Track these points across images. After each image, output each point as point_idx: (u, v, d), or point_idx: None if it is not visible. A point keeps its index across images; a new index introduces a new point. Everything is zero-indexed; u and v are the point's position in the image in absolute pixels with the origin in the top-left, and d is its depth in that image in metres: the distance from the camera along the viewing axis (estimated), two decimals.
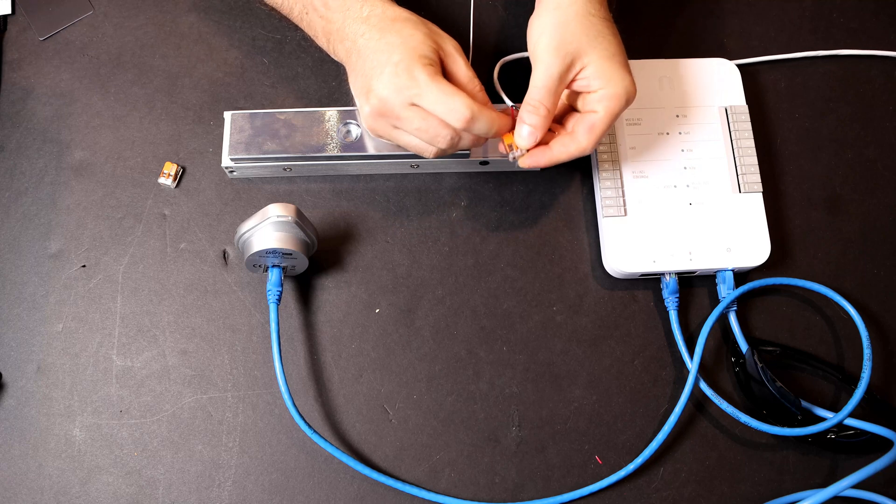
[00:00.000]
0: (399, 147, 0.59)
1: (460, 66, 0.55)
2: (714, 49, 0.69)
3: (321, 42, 0.59)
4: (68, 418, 0.58)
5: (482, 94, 0.55)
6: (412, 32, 0.53)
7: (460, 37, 0.68)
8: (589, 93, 0.56)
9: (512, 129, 0.56)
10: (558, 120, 0.59)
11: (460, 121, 0.52)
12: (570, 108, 0.58)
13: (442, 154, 0.55)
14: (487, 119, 0.53)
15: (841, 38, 0.70)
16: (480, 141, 0.56)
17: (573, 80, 0.56)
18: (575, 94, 0.57)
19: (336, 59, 0.58)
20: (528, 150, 0.57)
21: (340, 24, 0.56)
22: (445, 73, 0.54)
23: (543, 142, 0.57)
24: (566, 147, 0.57)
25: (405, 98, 0.52)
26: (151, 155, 0.65)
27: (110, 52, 0.68)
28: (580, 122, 0.56)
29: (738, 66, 0.67)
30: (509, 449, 0.58)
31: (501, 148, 0.57)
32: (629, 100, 0.55)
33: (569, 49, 0.54)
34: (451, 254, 0.63)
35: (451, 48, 0.55)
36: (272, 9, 0.62)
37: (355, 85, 0.55)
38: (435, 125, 0.53)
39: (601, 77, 0.55)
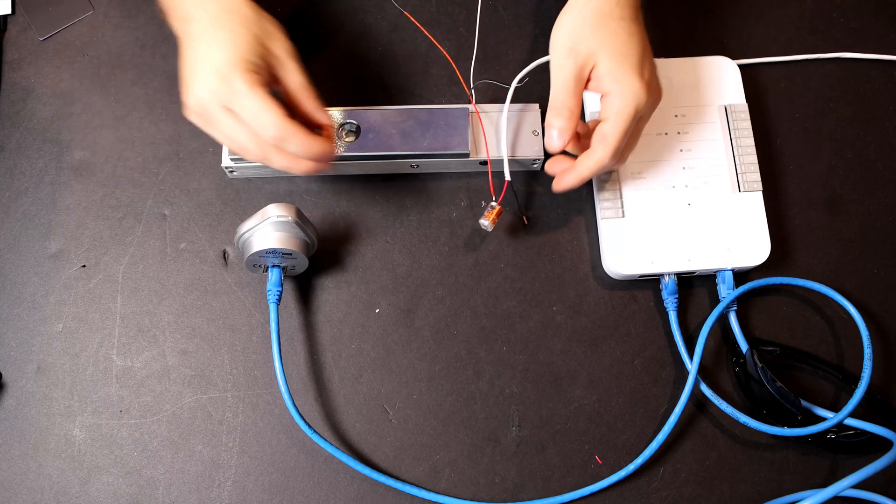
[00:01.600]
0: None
1: (290, 73, 0.53)
2: (714, 49, 0.69)
3: (161, 10, 0.56)
4: (68, 418, 0.58)
5: (312, 103, 0.54)
6: (241, 32, 0.52)
7: (460, 38, 0.69)
8: (603, 97, 0.55)
9: (327, 151, 0.53)
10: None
11: (270, 137, 0.51)
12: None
13: (267, 163, 0.53)
14: (299, 142, 0.51)
15: (841, 38, 0.70)
16: (290, 166, 0.53)
17: (589, 81, 0.55)
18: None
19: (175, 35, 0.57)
20: (559, 153, 0.56)
21: (178, 1, 0.54)
22: (277, 80, 0.53)
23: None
24: (588, 162, 0.55)
25: (219, 101, 0.51)
26: (151, 155, 0.65)
27: (110, 52, 0.68)
28: (596, 135, 0.55)
29: (738, 66, 0.66)
30: (509, 449, 0.58)
31: (484, 226, 0.59)
32: (639, 104, 0.54)
33: (580, 49, 0.54)
34: (451, 254, 0.63)
35: (281, 52, 0.53)
36: None
37: (181, 70, 0.53)
38: (244, 135, 0.51)
39: (610, 78, 0.54)
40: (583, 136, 0.59)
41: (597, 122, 0.57)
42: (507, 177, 0.60)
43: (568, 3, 0.57)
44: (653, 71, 0.56)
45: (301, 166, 0.53)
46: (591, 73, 0.55)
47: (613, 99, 0.54)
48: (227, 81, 0.50)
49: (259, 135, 0.51)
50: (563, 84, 0.55)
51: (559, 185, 0.58)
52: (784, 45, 0.70)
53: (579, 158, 0.56)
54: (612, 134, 0.54)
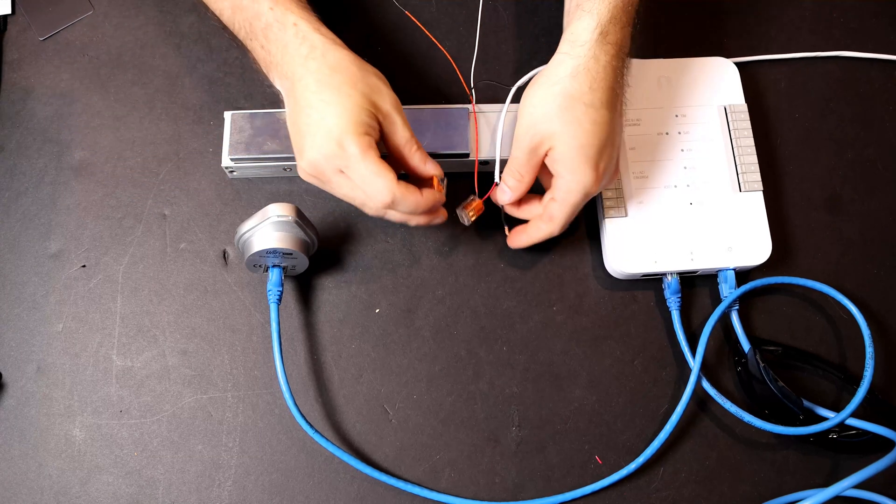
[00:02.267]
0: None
1: (398, 129, 0.54)
2: (714, 49, 0.69)
3: (262, 70, 0.57)
4: (68, 418, 0.58)
5: (419, 155, 0.55)
6: (349, 93, 0.51)
7: (460, 38, 0.69)
8: (553, 176, 0.56)
9: (437, 202, 0.55)
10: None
11: (382, 203, 0.52)
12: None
13: (383, 218, 0.55)
14: (410, 203, 0.53)
15: (841, 38, 0.70)
16: (406, 220, 0.55)
17: (545, 157, 0.56)
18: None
19: (275, 89, 0.57)
20: (507, 204, 0.59)
21: (279, 59, 0.54)
22: (383, 135, 0.54)
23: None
24: (538, 230, 0.58)
25: (334, 166, 0.52)
26: (151, 155, 0.65)
27: (110, 52, 0.68)
28: (546, 208, 0.58)
29: (738, 64, 0.67)
30: (509, 449, 0.58)
31: (461, 216, 0.60)
32: (588, 193, 0.55)
33: (539, 128, 0.55)
34: (451, 254, 0.63)
35: (389, 107, 0.53)
36: (224, 26, 0.59)
37: (291, 132, 0.54)
38: (361, 196, 0.53)
39: (563, 164, 0.55)
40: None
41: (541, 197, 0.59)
42: (497, 179, 0.60)
43: (542, 73, 0.57)
44: (609, 160, 0.56)
45: (414, 221, 0.55)
46: (547, 153, 0.56)
47: (564, 183, 0.55)
48: (341, 147, 0.51)
49: (372, 199, 0.52)
50: (520, 154, 0.57)
51: (513, 243, 0.61)
52: (784, 46, 0.70)
53: (532, 224, 0.59)
54: (559, 216, 0.57)
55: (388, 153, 0.55)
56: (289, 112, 0.54)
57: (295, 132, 0.53)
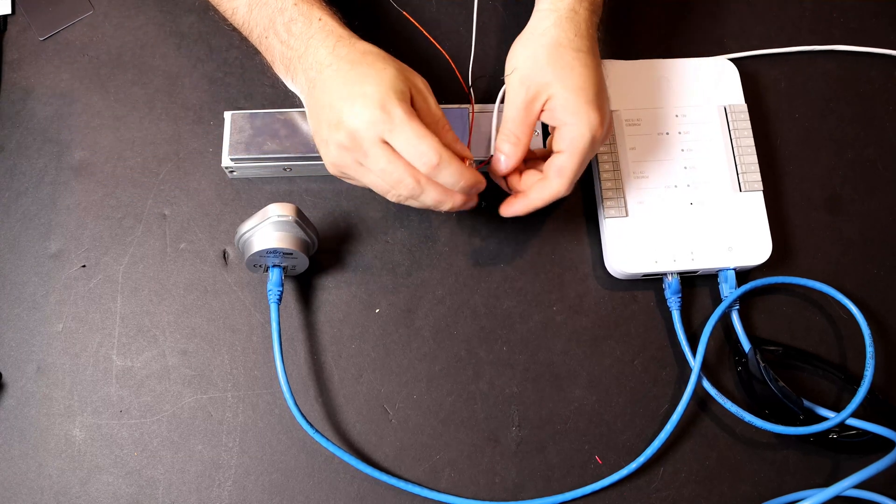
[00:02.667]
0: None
1: (430, 105, 0.53)
2: (714, 49, 0.69)
3: (278, 69, 0.56)
4: (68, 418, 0.58)
5: (450, 134, 0.54)
6: (384, 66, 0.51)
7: (460, 37, 0.69)
8: (556, 128, 0.55)
9: (477, 182, 0.53)
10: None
11: (427, 165, 0.50)
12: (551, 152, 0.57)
13: (402, 202, 0.53)
14: (454, 170, 0.51)
15: (841, 37, 0.70)
16: (443, 200, 0.52)
17: (542, 112, 0.55)
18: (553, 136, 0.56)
19: (293, 88, 0.57)
20: (504, 177, 0.56)
21: (303, 51, 0.53)
22: (417, 111, 0.52)
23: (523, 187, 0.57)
24: (541, 193, 0.55)
25: (376, 132, 0.50)
26: (151, 155, 0.65)
27: (110, 52, 0.68)
28: (551, 165, 0.55)
29: (737, 60, 0.67)
30: (509, 449, 0.58)
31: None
32: (595, 136, 0.53)
33: (533, 80, 0.54)
34: (451, 254, 0.63)
35: (421, 85, 0.53)
36: (234, 28, 0.60)
37: (318, 117, 0.52)
38: (400, 169, 0.50)
39: (565, 111, 0.53)
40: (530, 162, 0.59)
41: (543, 151, 0.57)
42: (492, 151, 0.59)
43: (524, 30, 0.56)
44: (607, 103, 0.56)
45: (453, 200, 0.53)
46: (544, 104, 0.54)
47: (569, 131, 0.54)
48: (385, 110, 0.49)
49: (415, 166, 0.50)
50: (515, 113, 0.55)
51: (506, 211, 0.57)
52: (784, 45, 0.70)
53: (532, 188, 0.56)
54: (569, 167, 0.54)
55: None
56: (315, 100, 0.53)
57: (327, 114, 0.51)
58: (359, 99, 0.50)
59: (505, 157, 0.56)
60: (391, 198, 0.53)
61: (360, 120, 0.50)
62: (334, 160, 0.53)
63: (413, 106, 0.52)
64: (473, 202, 0.55)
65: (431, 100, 0.53)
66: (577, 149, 0.54)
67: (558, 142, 0.55)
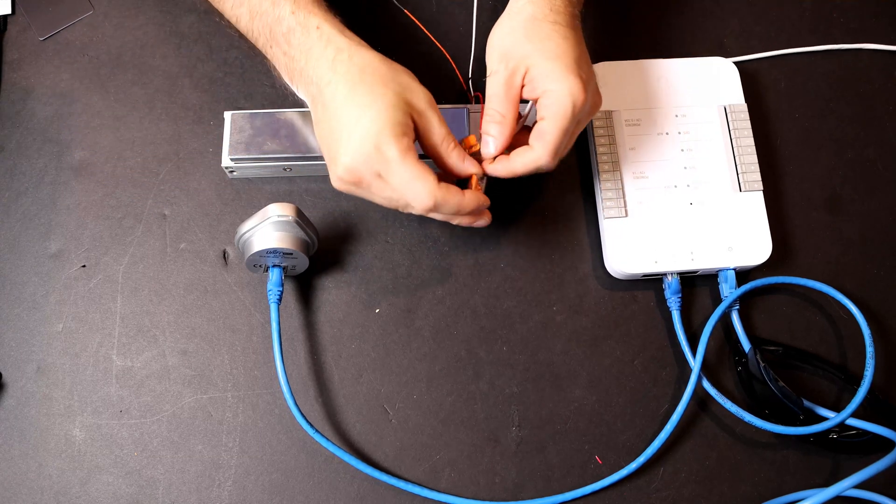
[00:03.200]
0: None
1: (433, 126, 0.52)
2: (714, 49, 0.69)
3: (284, 78, 0.56)
4: (68, 418, 0.58)
5: (456, 153, 0.53)
6: (382, 92, 0.50)
7: (460, 37, 0.69)
8: (538, 99, 0.54)
9: (479, 205, 0.54)
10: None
11: (423, 208, 0.51)
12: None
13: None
14: (453, 205, 0.51)
15: (841, 38, 0.70)
16: (450, 220, 0.54)
17: (523, 87, 0.54)
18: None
19: (301, 96, 0.56)
20: (493, 159, 0.55)
21: (304, 65, 0.52)
22: (418, 133, 0.52)
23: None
24: (523, 158, 0.54)
25: (373, 170, 0.50)
26: (151, 155, 0.65)
27: (110, 52, 0.68)
28: (533, 133, 0.54)
29: (738, 64, 0.67)
30: (509, 449, 0.58)
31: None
32: (577, 100, 0.52)
33: (512, 54, 0.53)
34: (451, 254, 0.63)
35: (423, 105, 0.51)
36: (241, 35, 0.58)
37: (322, 138, 0.53)
38: (403, 199, 0.51)
39: (544, 78, 0.52)
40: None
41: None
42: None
43: (503, 14, 0.56)
44: (591, 73, 0.55)
45: (457, 221, 0.54)
46: (524, 78, 0.54)
47: (550, 97, 0.52)
48: (378, 150, 0.49)
49: (412, 205, 0.51)
50: (496, 91, 0.54)
51: (488, 169, 0.56)
52: (784, 45, 0.70)
53: (514, 153, 0.55)
54: (551, 132, 0.53)
55: (424, 152, 0.54)
56: (317, 119, 0.53)
57: (327, 138, 0.52)
58: (355, 135, 0.49)
59: (493, 138, 0.54)
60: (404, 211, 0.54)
61: (355, 160, 0.50)
62: (338, 186, 0.53)
63: (417, 127, 0.51)
64: (484, 221, 0.55)
65: (435, 118, 0.52)
66: (557, 114, 0.52)
67: (540, 110, 0.53)
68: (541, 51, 0.53)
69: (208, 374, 0.59)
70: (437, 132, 0.52)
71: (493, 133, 0.54)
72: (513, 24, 0.54)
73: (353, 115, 0.49)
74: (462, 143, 0.55)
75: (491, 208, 0.62)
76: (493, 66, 0.54)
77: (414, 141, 0.51)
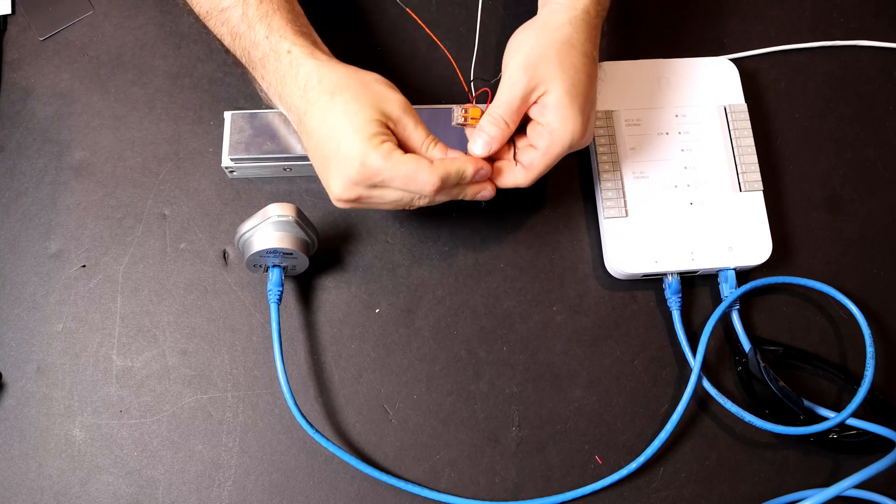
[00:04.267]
0: None
1: (410, 131, 0.52)
2: (714, 49, 0.69)
3: (267, 100, 0.57)
4: (68, 418, 0.58)
5: (438, 150, 0.53)
6: (355, 111, 0.50)
7: (460, 37, 0.69)
8: (539, 124, 0.54)
9: (481, 167, 0.54)
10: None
11: (432, 191, 0.51)
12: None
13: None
14: (457, 173, 0.52)
15: (841, 37, 0.70)
16: (458, 195, 0.54)
17: (533, 104, 0.54)
18: (529, 119, 0.55)
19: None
20: (480, 155, 0.55)
21: (280, 91, 0.54)
22: (398, 139, 0.52)
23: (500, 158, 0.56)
24: (505, 179, 0.55)
25: (366, 185, 0.51)
26: (151, 155, 0.65)
27: (110, 52, 0.68)
28: (522, 155, 0.55)
29: (737, 60, 0.67)
30: (509, 449, 0.58)
31: (456, 116, 0.56)
32: (573, 145, 0.54)
33: (538, 71, 0.53)
34: (451, 254, 0.63)
35: (398, 112, 0.52)
36: (227, 50, 0.58)
37: (315, 165, 0.54)
38: (408, 194, 0.52)
39: (555, 111, 0.53)
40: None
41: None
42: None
43: (535, 20, 0.56)
44: (594, 117, 0.56)
45: (464, 195, 0.54)
46: (539, 98, 0.54)
47: (550, 133, 0.53)
48: (364, 165, 0.50)
49: (418, 198, 0.52)
50: (509, 99, 0.53)
51: (475, 149, 0.55)
52: (783, 45, 0.70)
53: (500, 171, 0.55)
54: (538, 166, 0.54)
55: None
56: (305, 146, 0.54)
57: (318, 165, 0.53)
58: (339, 161, 0.51)
59: (487, 141, 0.54)
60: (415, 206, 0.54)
61: (346, 181, 0.51)
62: (340, 206, 0.54)
63: (396, 135, 0.52)
64: (489, 191, 0.55)
65: (411, 123, 0.52)
66: (551, 153, 0.54)
67: (536, 138, 0.54)
68: (564, 81, 0.53)
69: (208, 374, 0.59)
70: (416, 136, 0.53)
71: (491, 135, 0.54)
72: (548, 41, 0.54)
73: (333, 142, 0.51)
74: (467, 113, 0.55)
75: (491, 208, 0.62)
76: (513, 73, 0.54)
77: (396, 144, 0.52)
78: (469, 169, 0.52)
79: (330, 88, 0.52)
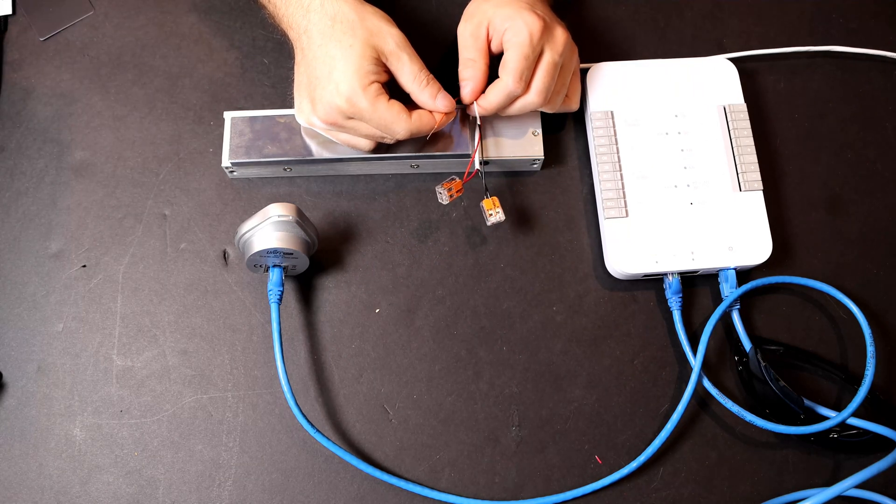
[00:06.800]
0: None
1: (404, 65, 0.55)
2: (714, 49, 0.69)
3: (270, 14, 0.60)
4: (68, 418, 0.58)
5: (428, 90, 0.56)
6: (350, 43, 0.53)
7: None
8: (502, 42, 0.57)
9: (450, 114, 0.58)
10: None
11: (402, 138, 0.56)
12: None
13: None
14: (427, 125, 0.56)
15: (840, 38, 0.70)
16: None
17: (490, 41, 0.58)
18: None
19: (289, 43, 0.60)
20: (472, 94, 0.58)
21: (284, 11, 0.57)
22: (392, 73, 0.56)
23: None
24: (494, 88, 0.58)
25: (347, 115, 0.55)
26: (151, 155, 0.65)
27: (110, 52, 0.68)
28: (500, 67, 0.57)
29: (737, 60, 0.67)
30: (509, 449, 0.58)
31: (439, 194, 0.59)
32: (533, 30, 0.56)
33: (475, 14, 0.58)
34: (451, 254, 0.63)
35: (392, 46, 0.55)
36: None
37: (299, 83, 0.57)
38: (380, 133, 0.56)
39: (502, 21, 0.56)
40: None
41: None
42: (477, 165, 0.60)
43: None
44: (551, 16, 0.59)
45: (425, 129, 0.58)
46: (488, 30, 0.57)
47: (508, 32, 0.56)
48: (350, 102, 0.54)
49: (391, 135, 0.56)
50: (465, 42, 0.58)
51: (471, 110, 0.59)
52: (783, 46, 0.70)
53: (488, 88, 0.58)
54: (511, 60, 0.56)
55: (402, 89, 0.57)
56: (297, 61, 0.57)
57: (304, 83, 0.56)
58: (328, 87, 0.54)
59: (469, 81, 0.58)
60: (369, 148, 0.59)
61: (330, 107, 0.55)
62: (309, 124, 0.58)
63: (390, 69, 0.55)
64: (450, 118, 0.59)
65: (405, 57, 0.55)
66: (515, 44, 0.56)
67: (504, 46, 0.57)
68: (500, 6, 0.57)
69: (208, 373, 0.59)
70: (408, 71, 0.55)
71: (468, 76, 0.58)
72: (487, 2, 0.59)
73: (326, 67, 0.54)
74: (451, 182, 0.59)
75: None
76: (460, 28, 0.59)
77: (387, 82, 0.56)
78: (438, 123, 0.57)
79: (332, 14, 0.55)
